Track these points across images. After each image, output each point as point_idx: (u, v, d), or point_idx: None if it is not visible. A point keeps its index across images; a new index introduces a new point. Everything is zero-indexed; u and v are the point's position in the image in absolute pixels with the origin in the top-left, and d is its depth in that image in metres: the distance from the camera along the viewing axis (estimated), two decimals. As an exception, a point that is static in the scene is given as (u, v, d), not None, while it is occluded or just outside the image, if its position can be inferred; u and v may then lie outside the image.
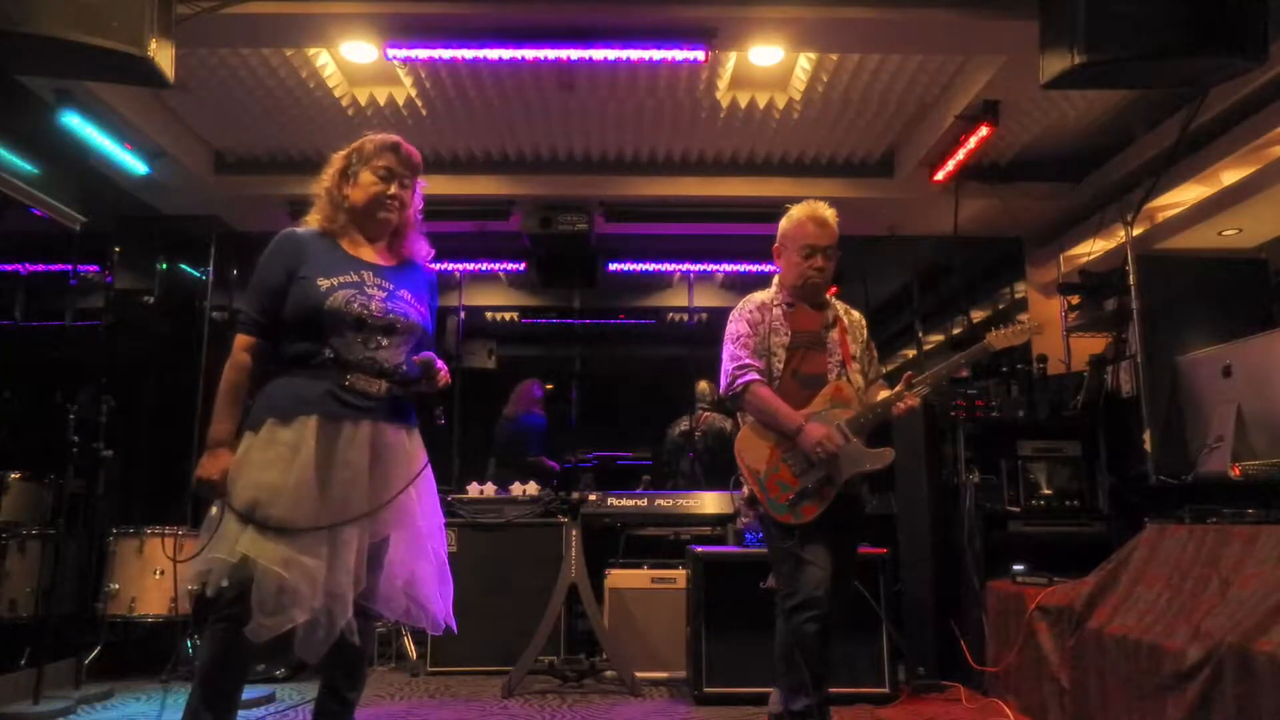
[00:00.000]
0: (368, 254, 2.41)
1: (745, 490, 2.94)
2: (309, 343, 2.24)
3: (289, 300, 2.25)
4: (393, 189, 2.39)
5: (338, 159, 2.44)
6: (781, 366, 2.94)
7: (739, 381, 2.92)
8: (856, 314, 3.17)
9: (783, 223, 3.10)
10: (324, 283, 2.25)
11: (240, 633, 2.05)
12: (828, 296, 3.12)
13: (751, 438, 2.93)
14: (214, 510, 2.17)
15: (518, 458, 6.23)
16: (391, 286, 2.36)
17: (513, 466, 5.97)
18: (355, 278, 2.30)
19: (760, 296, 3.08)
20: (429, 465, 2.37)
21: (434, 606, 2.31)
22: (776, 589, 2.88)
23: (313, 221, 2.42)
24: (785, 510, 2.81)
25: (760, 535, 4.08)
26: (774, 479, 2.85)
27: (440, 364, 2.33)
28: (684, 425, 5.99)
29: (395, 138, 2.45)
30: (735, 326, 3.02)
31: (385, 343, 2.30)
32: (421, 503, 2.33)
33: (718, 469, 5.67)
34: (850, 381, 2.95)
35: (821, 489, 2.81)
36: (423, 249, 2.54)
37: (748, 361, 2.93)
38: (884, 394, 2.96)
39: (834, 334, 3.02)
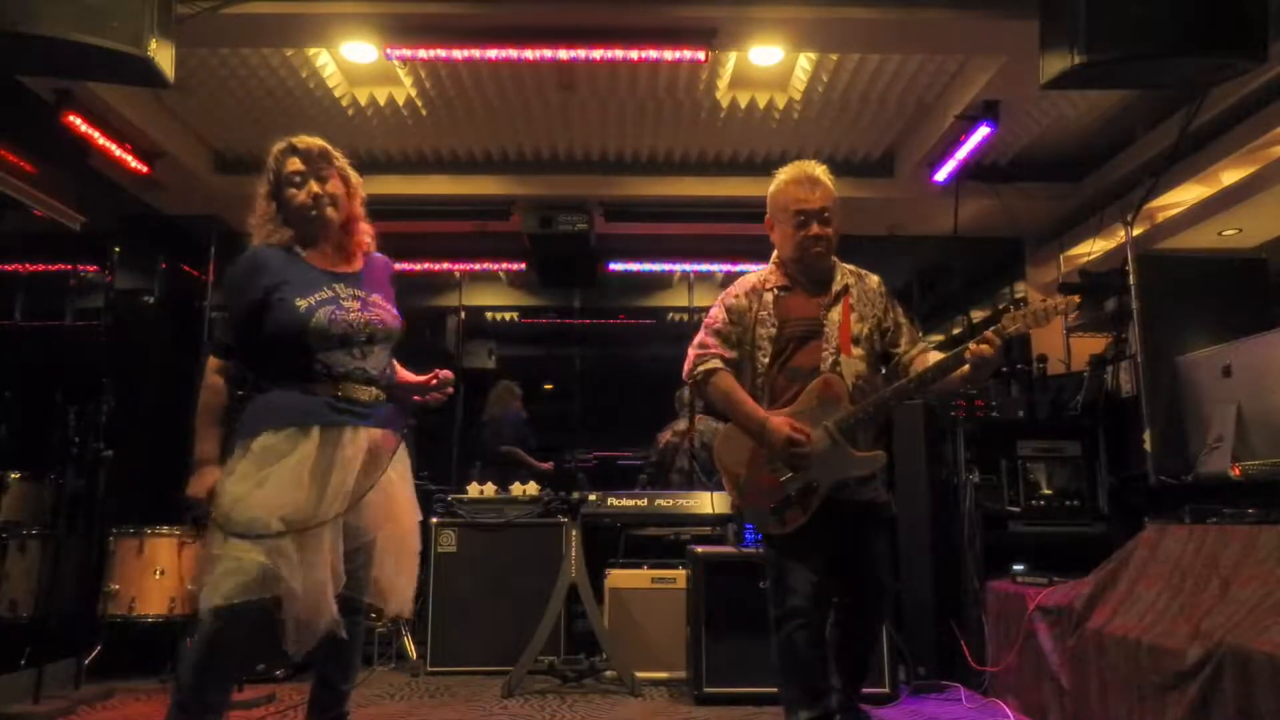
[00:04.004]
0: (333, 264, 2.42)
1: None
2: (297, 359, 2.28)
3: (267, 321, 2.28)
4: (314, 189, 2.37)
5: (260, 189, 2.42)
6: (768, 360, 2.66)
7: (700, 369, 2.69)
8: (874, 279, 2.81)
9: (770, 189, 2.77)
10: (302, 302, 2.28)
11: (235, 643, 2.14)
12: (835, 263, 2.77)
13: (731, 438, 2.71)
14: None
15: (520, 457, 6.25)
16: (365, 294, 2.40)
17: (510, 464, 6.00)
18: (330, 293, 2.33)
19: (752, 279, 2.78)
20: (407, 464, 2.48)
21: (396, 597, 2.40)
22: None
23: (269, 240, 2.40)
24: (766, 519, 2.61)
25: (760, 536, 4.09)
26: (754, 485, 2.64)
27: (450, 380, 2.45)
28: (680, 426, 5.97)
29: (290, 140, 2.41)
30: (715, 311, 2.78)
31: (370, 352, 2.35)
32: (403, 500, 2.42)
33: (712, 471, 5.66)
34: (844, 373, 2.61)
35: (804, 497, 2.56)
36: (366, 240, 2.52)
37: (715, 350, 2.70)
38: (933, 356, 2.61)
39: (835, 314, 2.68)
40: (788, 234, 2.70)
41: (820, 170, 2.72)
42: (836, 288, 2.73)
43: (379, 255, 2.56)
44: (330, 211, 2.38)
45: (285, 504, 2.12)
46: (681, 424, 5.91)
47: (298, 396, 2.26)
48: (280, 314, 2.27)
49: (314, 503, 2.16)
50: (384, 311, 2.41)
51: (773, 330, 2.68)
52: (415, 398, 2.45)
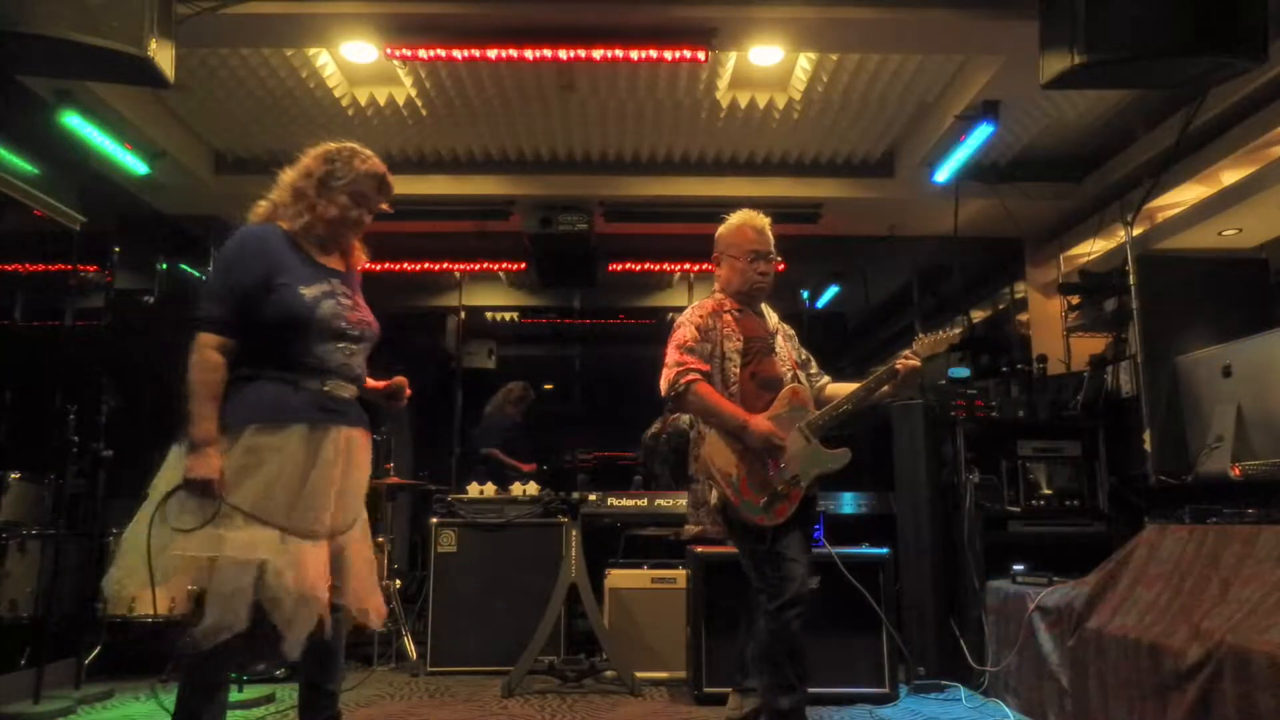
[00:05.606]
0: (329, 261, 2.47)
1: (714, 498, 2.92)
2: (292, 349, 2.28)
3: (269, 305, 2.25)
4: (364, 218, 2.49)
5: (316, 163, 2.45)
6: (738, 371, 2.98)
7: (681, 381, 2.93)
8: (788, 326, 3.28)
9: (721, 230, 3.19)
10: (307, 291, 2.30)
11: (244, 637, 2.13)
12: (764, 305, 3.21)
13: (719, 444, 2.93)
14: (181, 505, 2.14)
15: (515, 455, 6.26)
16: (352, 295, 2.47)
17: (492, 465, 6.02)
18: (329, 287, 2.37)
19: (709, 304, 3.11)
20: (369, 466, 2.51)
21: (372, 600, 2.41)
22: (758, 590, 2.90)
23: (281, 219, 2.42)
24: (759, 512, 2.85)
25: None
26: (747, 482, 2.87)
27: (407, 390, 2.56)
28: (655, 428, 6.01)
29: (383, 169, 2.50)
30: (682, 331, 3.02)
31: (356, 351, 2.41)
32: (362, 502, 2.45)
33: (682, 467, 5.65)
34: (802, 384, 3.04)
35: (791, 490, 2.86)
36: (360, 253, 2.62)
37: (691, 365, 2.94)
38: (847, 387, 3.03)
39: (780, 340, 3.12)
40: (740, 268, 3.11)
41: (766, 221, 3.18)
42: (771, 323, 3.18)
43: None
44: (354, 239, 2.54)
45: (274, 504, 2.15)
46: (656, 425, 5.94)
47: (285, 391, 2.25)
48: (286, 299, 2.26)
49: (300, 503, 2.19)
50: (369, 314, 2.48)
51: (739, 344, 3.02)
52: (391, 403, 2.57)
